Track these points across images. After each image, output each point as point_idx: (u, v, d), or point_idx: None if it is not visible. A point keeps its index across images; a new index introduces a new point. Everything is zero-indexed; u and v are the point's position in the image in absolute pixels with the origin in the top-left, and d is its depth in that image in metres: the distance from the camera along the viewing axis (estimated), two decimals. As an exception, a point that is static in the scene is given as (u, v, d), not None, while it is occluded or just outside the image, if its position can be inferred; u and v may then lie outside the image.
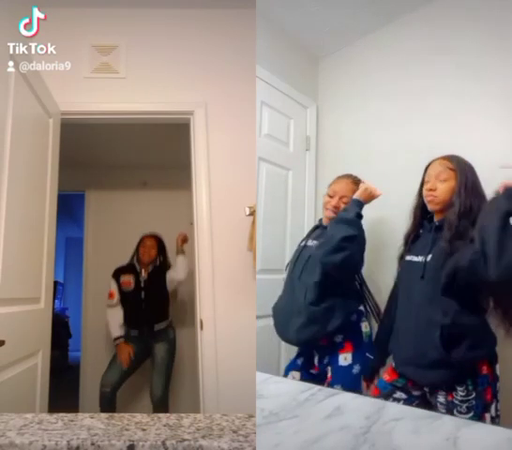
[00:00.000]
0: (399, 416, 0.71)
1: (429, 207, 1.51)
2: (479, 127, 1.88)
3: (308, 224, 2.28)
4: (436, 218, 1.51)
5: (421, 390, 1.43)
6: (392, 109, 2.22)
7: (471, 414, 1.30)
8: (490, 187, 1.77)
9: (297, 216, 2.35)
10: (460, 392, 1.32)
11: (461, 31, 2.00)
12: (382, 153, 2.19)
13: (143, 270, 2.81)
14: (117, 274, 2.82)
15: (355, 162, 2.32)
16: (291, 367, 1.74)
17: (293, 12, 2.24)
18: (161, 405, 2.68)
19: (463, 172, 1.46)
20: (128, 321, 2.76)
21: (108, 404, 2.63)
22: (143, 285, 2.78)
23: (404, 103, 2.17)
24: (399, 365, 1.46)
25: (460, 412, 1.30)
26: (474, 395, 1.31)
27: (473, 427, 0.68)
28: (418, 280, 1.41)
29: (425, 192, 1.51)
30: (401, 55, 2.23)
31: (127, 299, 2.77)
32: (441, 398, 1.35)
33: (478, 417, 1.30)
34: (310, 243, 1.77)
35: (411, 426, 0.67)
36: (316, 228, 1.86)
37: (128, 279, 2.78)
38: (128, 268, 2.84)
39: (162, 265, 2.89)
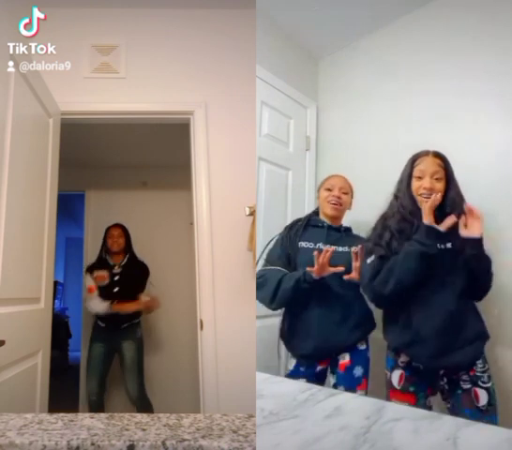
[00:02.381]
0: (399, 416, 0.71)
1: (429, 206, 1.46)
2: (479, 127, 1.88)
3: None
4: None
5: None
6: (392, 108, 2.21)
7: (491, 383, 1.41)
8: (489, 185, 1.78)
9: (297, 216, 2.34)
10: (479, 364, 1.42)
11: (460, 31, 2.00)
12: (382, 153, 2.19)
13: (115, 266, 2.79)
14: (91, 269, 2.80)
15: (355, 162, 2.32)
16: (296, 374, 1.64)
17: (293, 12, 2.24)
18: (141, 404, 2.68)
19: (452, 171, 1.50)
20: (100, 316, 2.75)
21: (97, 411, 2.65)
22: (116, 279, 2.74)
23: (404, 103, 2.17)
24: (427, 359, 1.45)
25: (484, 382, 1.40)
26: (488, 366, 1.43)
27: (473, 427, 0.68)
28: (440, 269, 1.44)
29: (419, 190, 1.49)
30: (401, 55, 2.23)
31: (100, 294, 2.71)
32: (464, 377, 1.42)
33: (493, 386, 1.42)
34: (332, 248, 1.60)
35: (411, 426, 0.67)
36: (315, 227, 1.75)
37: (102, 274, 2.74)
38: (101, 263, 2.82)
39: (133, 258, 2.85)
